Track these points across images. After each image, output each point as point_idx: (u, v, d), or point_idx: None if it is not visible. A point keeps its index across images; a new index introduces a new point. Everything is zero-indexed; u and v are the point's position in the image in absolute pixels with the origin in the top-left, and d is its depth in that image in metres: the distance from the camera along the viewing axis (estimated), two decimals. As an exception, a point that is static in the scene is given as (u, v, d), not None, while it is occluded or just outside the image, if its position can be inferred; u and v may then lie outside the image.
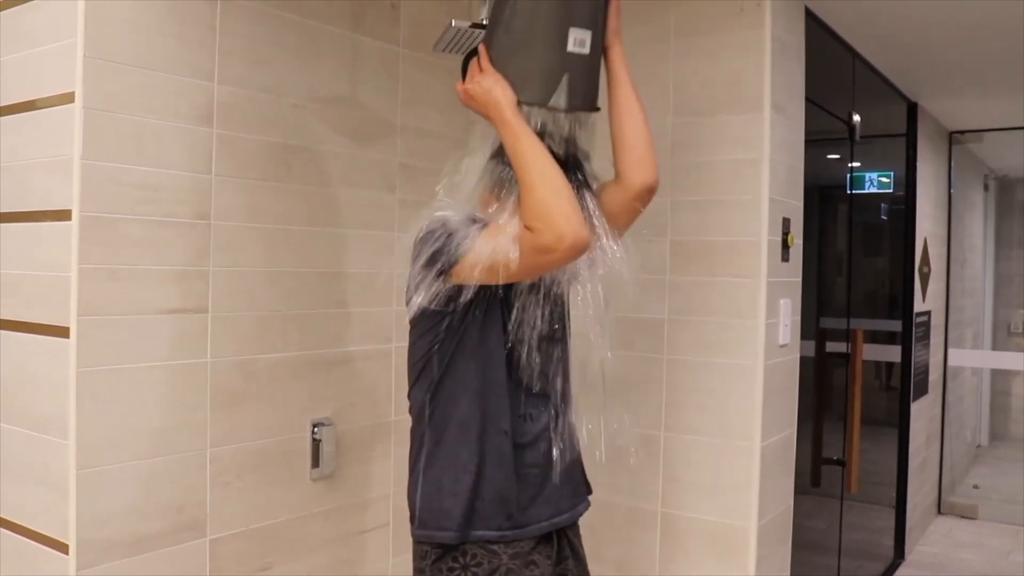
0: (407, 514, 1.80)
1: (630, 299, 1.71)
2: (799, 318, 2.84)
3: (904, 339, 4.73)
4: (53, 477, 1.95)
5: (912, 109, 4.70)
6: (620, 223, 1.76)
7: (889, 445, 4.70)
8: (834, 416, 3.66)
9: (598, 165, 1.77)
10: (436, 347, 1.70)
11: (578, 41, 1.65)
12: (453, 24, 1.95)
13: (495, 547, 1.69)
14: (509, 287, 1.68)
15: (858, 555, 4.10)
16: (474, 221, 1.64)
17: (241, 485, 2.27)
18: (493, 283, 1.64)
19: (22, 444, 2.03)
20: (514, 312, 1.68)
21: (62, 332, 1.92)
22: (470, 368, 1.70)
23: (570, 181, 1.62)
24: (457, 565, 1.69)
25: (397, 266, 2.54)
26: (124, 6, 1.97)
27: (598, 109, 1.76)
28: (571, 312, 1.81)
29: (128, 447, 2.01)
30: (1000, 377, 7.49)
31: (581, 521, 1.90)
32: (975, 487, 6.15)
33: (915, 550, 4.91)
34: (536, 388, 1.74)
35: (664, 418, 2.70)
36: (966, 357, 6.07)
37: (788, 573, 2.84)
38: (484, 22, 1.87)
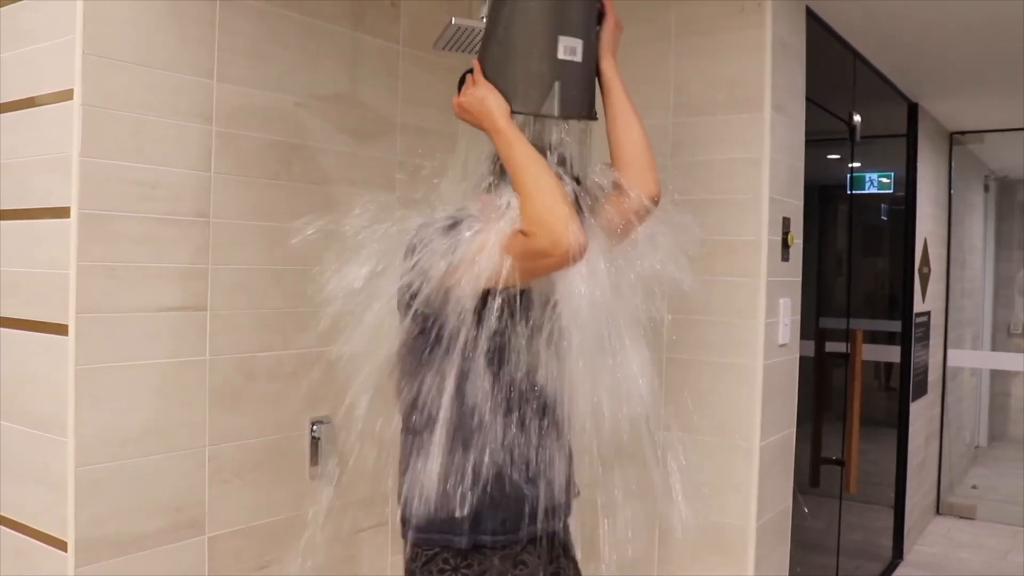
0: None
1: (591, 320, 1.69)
2: (799, 318, 2.84)
3: (904, 339, 4.73)
4: (52, 475, 1.95)
5: (913, 109, 4.70)
6: (619, 235, 1.75)
7: (888, 445, 4.70)
8: (833, 416, 3.66)
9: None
10: (426, 349, 1.70)
11: (568, 49, 1.65)
12: (453, 22, 1.95)
13: (486, 550, 1.69)
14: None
15: (857, 555, 4.10)
16: (464, 224, 1.64)
17: (240, 483, 2.27)
18: (484, 288, 1.63)
19: (21, 442, 2.03)
20: (501, 313, 1.67)
21: (61, 330, 1.92)
22: (457, 369, 1.69)
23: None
24: (448, 567, 1.68)
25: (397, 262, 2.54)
26: (123, 4, 1.97)
27: (595, 118, 1.76)
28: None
29: (127, 445, 2.01)
30: (999, 378, 7.49)
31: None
32: (974, 487, 6.16)
33: (913, 550, 4.91)
34: (528, 393, 1.73)
35: (662, 417, 2.69)
36: (965, 358, 6.07)
37: (787, 573, 2.84)
38: (484, 20, 1.87)
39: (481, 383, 1.68)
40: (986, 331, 7.27)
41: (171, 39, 2.07)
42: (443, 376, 1.70)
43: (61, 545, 1.93)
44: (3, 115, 2.08)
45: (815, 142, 2.98)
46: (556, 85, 1.66)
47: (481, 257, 1.57)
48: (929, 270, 5.02)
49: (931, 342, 5.16)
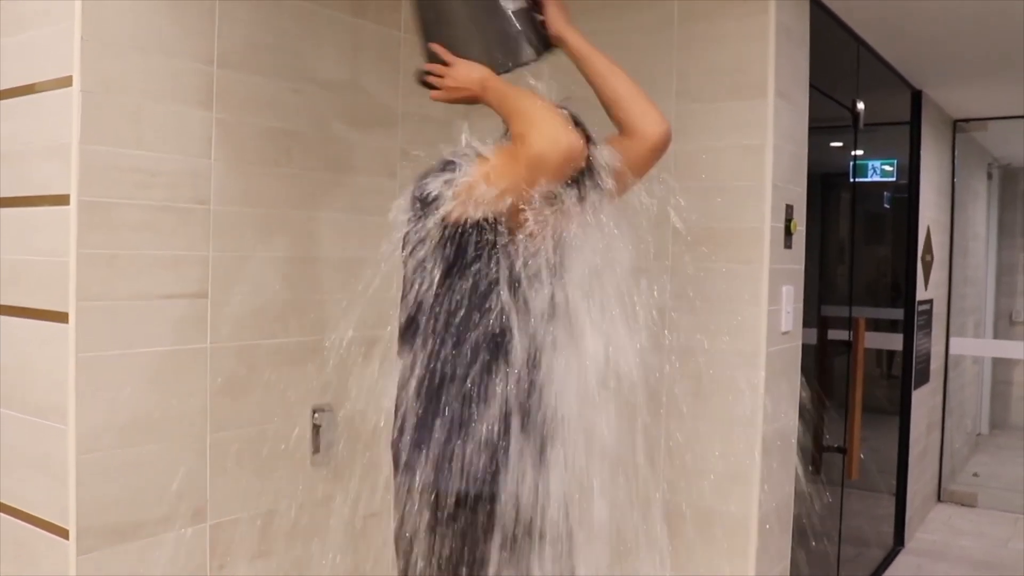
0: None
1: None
2: (801, 305, 2.83)
3: (906, 327, 4.72)
4: (53, 463, 1.95)
5: (916, 97, 4.68)
6: (628, 180, 1.76)
7: (890, 433, 4.70)
8: (835, 404, 3.66)
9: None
10: (430, 302, 1.69)
11: None
12: None
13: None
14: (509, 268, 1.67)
15: (858, 542, 4.10)
16: (452, 164, 1.65)
17: (241, 471, 2.26)
18: (491, 212, 1.62)
19: (22, 430, 2.03)
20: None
21: (61, 317, 1.91)
22: (464, 326, 1.68)
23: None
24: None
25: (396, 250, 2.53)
26: (123, -11, 1.96)
27: (557, 45, 1.82)
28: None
29: (128, 433, 2.00)
30: (1001, 366, 7.49)
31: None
32: (975, 475, 6.16)
33: (915, 537, 4.91)
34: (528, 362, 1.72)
35: (665, 404, 2.69)
36: (968, 346, 6.06)
37: (788, 560, 2.84)
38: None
39: (485, 342, 1.67)
40: (988, 319, 7.26)
41: (171, 25, 2.06)
42: (447, 331, 1.68)
43: (62, 533, 1.93)
44: (2, 102, 2.06)
45: (818, 129, 2.96)
46: (520, 34, 1.76)
47: (480, 181, 1.58)
48: (932, 258, 5.01)
49: (933, 330, 5.15)
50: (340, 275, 2.50)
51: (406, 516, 1.74)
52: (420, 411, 1.72)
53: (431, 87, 1.81)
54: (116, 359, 1.97)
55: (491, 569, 1.69)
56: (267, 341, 2.32)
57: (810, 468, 3.32)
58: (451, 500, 1.68)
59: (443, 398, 1.70)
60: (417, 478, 1.71)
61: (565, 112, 1.63)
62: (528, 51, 1.77)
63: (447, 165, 1.65)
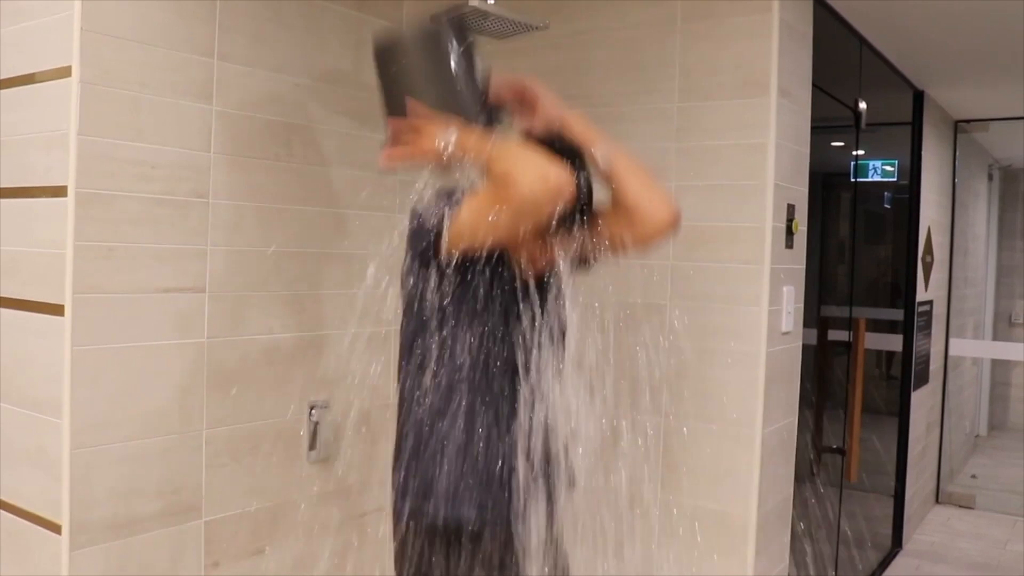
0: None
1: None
2: (802, 306, 2.81)
3: (906, 328, 4.71)
4: (47, 457, 1.93)
5: (918, 97, 4.66)
6: (628, 250, 1.76)
7: (889, 434, 4.69)
8: (834, 404, 3.64)
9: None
10: (427, 335, 1.68)
11: (456, 62, 1.75)
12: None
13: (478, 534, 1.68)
14: (512, 294, 1.67)
15: (856, 543, 4.09)
16: (450, 196, 1.63)
17: (237, 467, 2.25)
18: (482, 247, 1.61)
19: (16, 424, 2.01)
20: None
21: (57, 310, 1.90)
22: (464, 359, 1.67)
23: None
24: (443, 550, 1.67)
25: (396, 247, 2.52)
26: (122, -21, 1.94)
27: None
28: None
29: (123, 427, 1.99)
30: (1000, 367, 7.49)
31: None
32: (973, 477, 6.16)
33: (913, 539, 4.90)
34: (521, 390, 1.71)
35: (664, 404, 2.68)
36: (967, 347, 6.06)
37: (787, 561, 2.83)
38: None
39: (487, 373, 1.67)
40: (988, 320, 7.26)
41: (171, 16, 2.04)
42: (448, 363, 1.67)
43: (55, 528, 1.92)
44: (2, 91, 2.05)
45: (819, 129, 2.95)
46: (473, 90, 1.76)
47: (472, 213, 1.57)
48: (932, 259, 5.00)
49: (933, 331, 5.14)
50: (339, 270, 2.49)
51: (405, 544, 1.71)
52: (415, 439, 1.71)
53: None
54: (112, 353, 1.96)
55: None
56: (265, 336, 2.30)
57: (809, 469, 3.32)
58: (445, 529, 1.67)
59: (441, 428, 1.68)
60: (409, 508, 1.69)
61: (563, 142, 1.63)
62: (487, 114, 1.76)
63: (441, 199, 1.64)
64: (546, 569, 1.74)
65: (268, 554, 2.34)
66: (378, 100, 1.86)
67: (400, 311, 1.74)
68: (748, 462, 2.55)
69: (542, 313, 1.70)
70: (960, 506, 5.57)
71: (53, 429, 1.91)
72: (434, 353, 1.67)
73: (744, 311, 2.56)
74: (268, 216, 2.29)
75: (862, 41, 3.58)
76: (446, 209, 1.59)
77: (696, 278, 2.62)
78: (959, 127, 5.54)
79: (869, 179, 4.33)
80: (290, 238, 2.35)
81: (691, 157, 2.64)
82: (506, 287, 1.68)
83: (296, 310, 2.38)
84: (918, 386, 4.87)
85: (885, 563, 4.54)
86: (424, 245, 1.61)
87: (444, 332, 1.67)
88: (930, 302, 5.02)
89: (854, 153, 3.81)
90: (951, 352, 5.57)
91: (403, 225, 1.69)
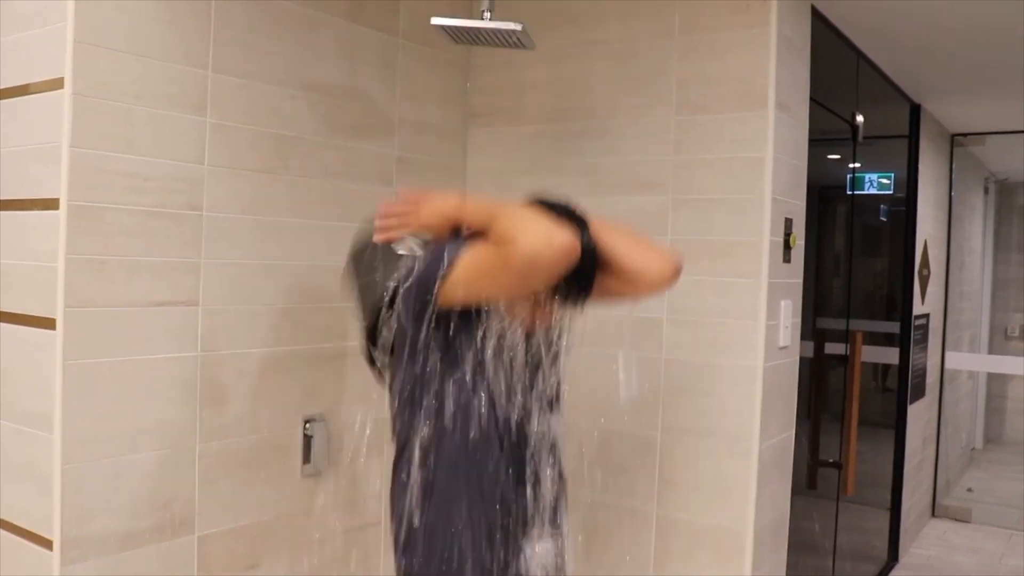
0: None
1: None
2: (800, 320, 2.80)
3: (902, 341, 4.70)
4: (38, 472, 1.92)
5: (915, 111, 4.67)
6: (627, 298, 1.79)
7: (885, 447, 4.68)
8: (831, 417, 3.63)
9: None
10: (422, 381, 1.67)
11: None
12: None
13: None
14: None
15: (852, 557, 4.07)
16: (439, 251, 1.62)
17: (230, 482, 2.23)
18: (479, 301, 1.61)
19: (6, 438, 2.00)
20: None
21: (48, 324, 1.88)
22: (457, 399, 1.66)
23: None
24: None
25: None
26: (117, -9, 1.93)
27: None
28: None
29: (115, 442, 1.97)
30: (996, 380, 7.49)
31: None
32: (969, 490, 6.14)
33: (909, 552, 4.89)
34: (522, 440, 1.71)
35: (661, 418, 2.66)
36: (963, 360, 6.06)
37: (784, 575, 2.81)
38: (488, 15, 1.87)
39: (478, 422, 1.65)
40: (984, 334, 7.26)
41: (165, 28, 2.03)
42: (442, 406, 1.66)
43: (46, 543, 1.90)
44: (-6, 103, 2.04)
45: (816, 142, 2.95)
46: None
47: (475, 267, 1.56)
48: (928, 272, 5.00)
49: (929, 344, 5.14)
50: (333, 284, 2.47)
51: None
52: (409, 481, 1.70)
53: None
54: (104, 367, 1.94)
55: None
56: (259, 350, 2.29)
57: (806, 482, 3.30)
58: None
59: (434, 475, 1.67)
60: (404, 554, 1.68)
61: (567, 206, 1.63)
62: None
63: (430, 254, 1.63)
64: None
65: (261, 569, 2.31)
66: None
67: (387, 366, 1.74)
68: (745, 476, 2.54)
69: (536, 369, 1.70)
70: (956, 519, 5.56)
71: (44, 443, 1.89)
72: (433, 404, 1.66)
73: (741, 325, 2.54)
74: (262, 229, 2.28)
75: (859, 55, 3.58)
76: (440, 264, 1.58)
77: (693, 292, 2.61)
78: (955, 140, 5.55)
79: (866, 192, 4.33)
80: (284, 251, 2.34)
81: (688, 170, 2.63)
82: (498, 341, 1.67)
83: (290, 323, 2.36)
84: (914, 399, 4.87)
85: (881, 577, 4.53)
86: (416, 301, 1.60)
87: (438, 384, 1.65)
88: (926, 315, 5.02)
89: (851, 166, 3.81)
90: (947, 365, 5.57)
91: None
